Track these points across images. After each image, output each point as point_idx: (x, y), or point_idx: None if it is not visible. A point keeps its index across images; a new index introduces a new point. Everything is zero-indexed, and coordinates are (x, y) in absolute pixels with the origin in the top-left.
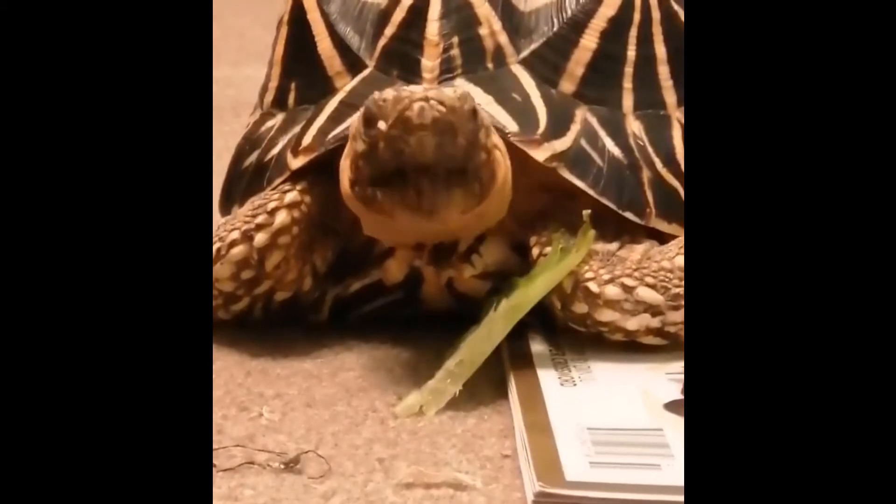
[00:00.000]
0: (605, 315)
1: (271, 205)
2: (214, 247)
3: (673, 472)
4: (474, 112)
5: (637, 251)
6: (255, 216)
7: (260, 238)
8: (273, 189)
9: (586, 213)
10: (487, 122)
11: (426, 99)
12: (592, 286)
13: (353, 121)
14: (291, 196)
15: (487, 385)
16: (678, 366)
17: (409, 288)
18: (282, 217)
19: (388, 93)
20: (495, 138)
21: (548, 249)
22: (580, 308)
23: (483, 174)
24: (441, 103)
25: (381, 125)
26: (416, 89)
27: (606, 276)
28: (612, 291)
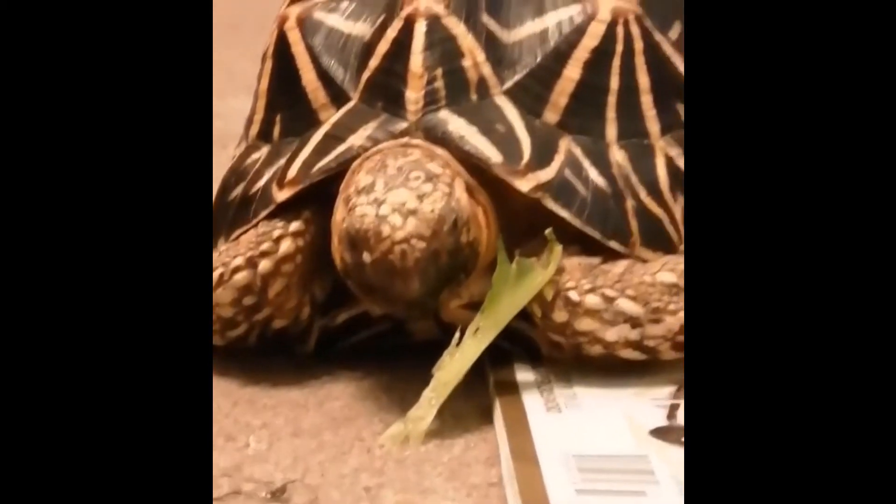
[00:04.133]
0: (585, 324)
1: (276, 233)
2: (217, 272)
3: (658, 498)
4: (455, 223)
5: (620, 265)
6: (259, 243)
7: (264, 265)
8: (259, 221)
9: (549, 231)
10: (465, 215)
11: (407, 240)
12: (573, 295)
13: (338, 222)
14: (296, 225)
15: (473, 413)
16: (664, 392)
17: (396, 319)
18: (286, 245)
19: (369, 220)
20: (478, 216)
21: (531, 260)
22: (560, 316)
23: (468, 266)
24: (421, 238)
25: (366, 257)
26: (395, 222)
27: (587, 286)
28: (593, 301)
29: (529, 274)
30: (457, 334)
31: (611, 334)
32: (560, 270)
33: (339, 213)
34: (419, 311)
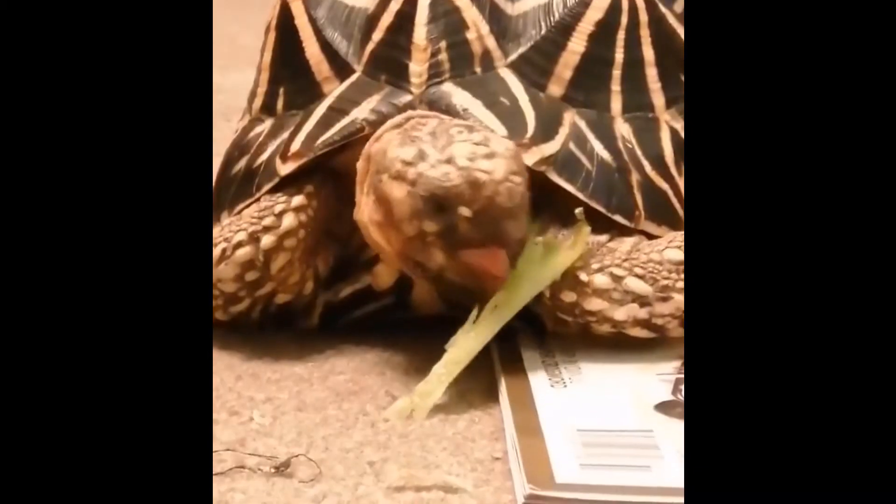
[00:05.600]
0: (594, 304)
1: (278, 207)
2: (219, 247)
3: (663, 473)
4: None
5: (627, 243)
6: (262, 218)
7: (267, 240)
8: (262, 195)
9: (579, 211)
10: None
11: (507, 179)
12: (581, 275)
13: (401, 200)
14: (298, 199)
15: (478, 388)
16: (668, 367)
17: (399, 293)
18: (289, 220)
19: (454, 174)
20: None
21: (538, 239)
22: (569, 297)
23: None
24: (516, 174)
25: (465, 211)
26: (485, 167)
27: (596, 266)
28: (601, 280)
29: (555, 254)
30: (474, 311)
31: (620, 313)
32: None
33: (395, 191)
34: (505, 267)
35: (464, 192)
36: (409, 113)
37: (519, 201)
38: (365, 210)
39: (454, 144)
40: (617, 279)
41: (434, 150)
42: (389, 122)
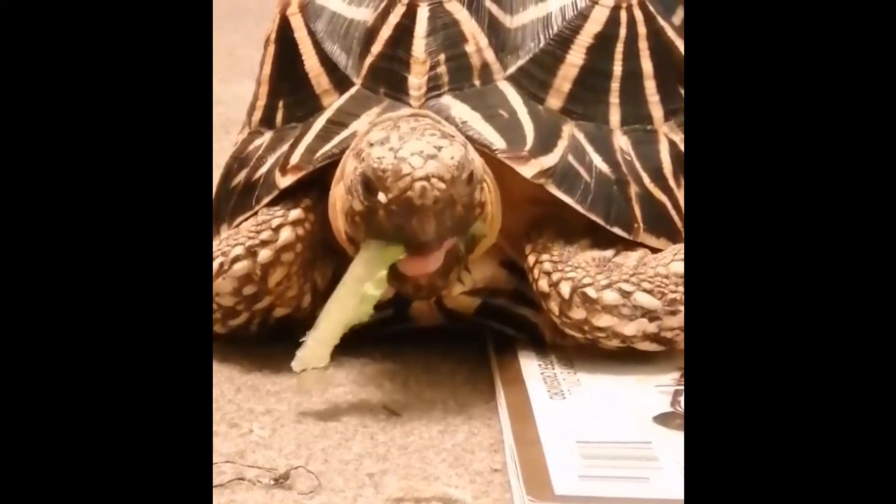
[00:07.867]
0: (603, 320)
1: (276, 221)
2: (217, 261)
3: (661, 484)
4: (471, 176)
5: (632, 258)
6: (259, 232)
7: (264, 254)
8: (261, 208)
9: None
10: (480, 173)
11: (427, 178)
12: (590, 291)
13: (349, 173)
14: (295, 213)
15: (477, 400)
16: (667, 378)
17: (399, 305)
18: (286, 234)
19: (388, 161)
20: (486, 183)
21: (544, 256)
22: (578, 314)
23: (476, 229)
24: (441, 179)
25: (382, 197)
26: (415, 163)
27: (604, 282)
28: (610, 296)
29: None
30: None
31: (629, 329)
32: (575, 266)
33: (349, 165)
34: (428, 291)
35: (386, 177)
36: (417, 110)
37: (430, 204)
38: (336, 189)
39: (414, 140)
40: (626, 294)
41: (397, 139)
42: (395, 114)
